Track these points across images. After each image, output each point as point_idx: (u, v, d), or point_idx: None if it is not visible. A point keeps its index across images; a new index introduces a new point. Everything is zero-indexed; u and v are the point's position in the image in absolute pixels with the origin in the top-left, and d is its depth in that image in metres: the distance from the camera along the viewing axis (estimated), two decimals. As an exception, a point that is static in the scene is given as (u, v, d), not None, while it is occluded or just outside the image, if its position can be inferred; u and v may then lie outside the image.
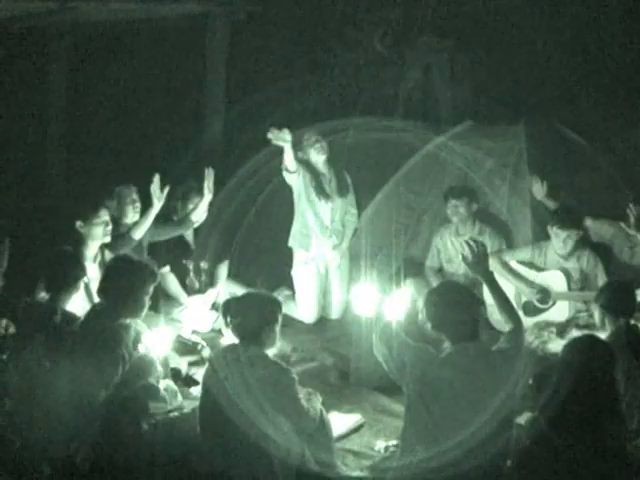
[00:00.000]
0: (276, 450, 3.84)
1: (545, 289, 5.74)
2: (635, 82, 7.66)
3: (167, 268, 6.10)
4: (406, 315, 4.63)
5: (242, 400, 3.82)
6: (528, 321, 5.62)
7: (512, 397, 3.71)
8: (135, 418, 4.08)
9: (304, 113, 6.17)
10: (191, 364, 5.23)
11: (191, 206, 6.16)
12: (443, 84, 8.45)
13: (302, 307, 6.38)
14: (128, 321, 4.18)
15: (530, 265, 5.86)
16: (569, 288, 5.67)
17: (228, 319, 4.09)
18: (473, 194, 6.22)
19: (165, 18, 8.20)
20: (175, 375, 4.82)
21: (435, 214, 6.53)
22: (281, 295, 5.98)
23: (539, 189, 6.15)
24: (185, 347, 5.41)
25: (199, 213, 6.10)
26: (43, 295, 4.61)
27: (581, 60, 7.80)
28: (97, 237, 5.23)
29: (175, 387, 4.53)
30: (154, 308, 4.98)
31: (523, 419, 4.07)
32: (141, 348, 4.20)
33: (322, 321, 6.44)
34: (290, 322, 6.01)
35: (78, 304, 4.70)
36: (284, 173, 6.16)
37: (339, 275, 6.44)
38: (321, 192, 6.24)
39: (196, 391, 4.51)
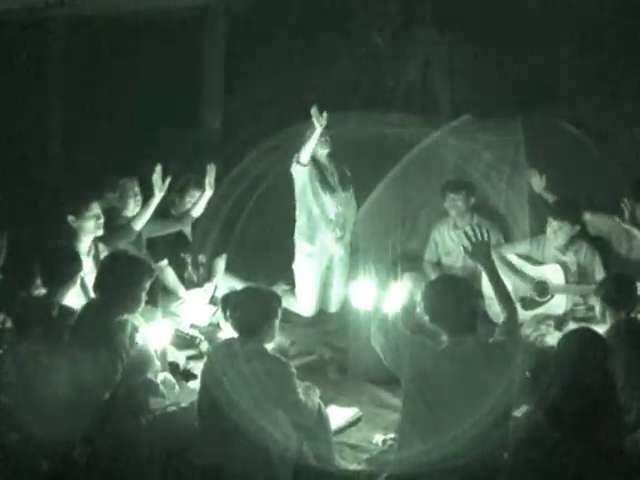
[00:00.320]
0: (274, 444, 3.84)
1: (543, 282, 5.75)
2: (634, 75, 7.64)
3: (165, 261, 6.09)
4: (404, 308, 4.63)
5: (240, 394, 3.82)
6: (526, 314, 5.63)
7: (510, 390, 3.70)
8: (135, 415, 4.08)
9: (302, 107, 6.16)
10: (189, 358, 5.24)
11: (188, 199, 6.15)
12: (442, 78, 8.44)
13: (302, 300, 6.38)
14: (125, 317, 4.16)
15: (528, 259, 5.86)
16: (567, 281, 5.67)
17: (227, 313, 4.09)
18: (471, 188, 6.23)
19: (164, 11, 8.18)
20: (173, 369, 4.82)
21: (433, 208, 6.52)
22: (279, 289, 5.97)
23: (538, 182, 6.16)
24: (183, 341, 5.43)
25: (199, 209, 6.10)
26: (40, 289, 4.61)
27: (581, 53, 7.78)
28: (89, 231, 5.21)
29: (173, 380, 4.54)
30: (152, 302, 4.97)
31: (520, 412, 4.08)
32: (138, 340, 4.19)
33: (320, 315, 6.44)
34: (288, 316, 6.00)
35: (73, 298, 4.69)
36: (294, 166, 6.13)
37: (341, 268, 6.44)
38: (326, 185, 6.24)
39: (194, 385, 4.52)
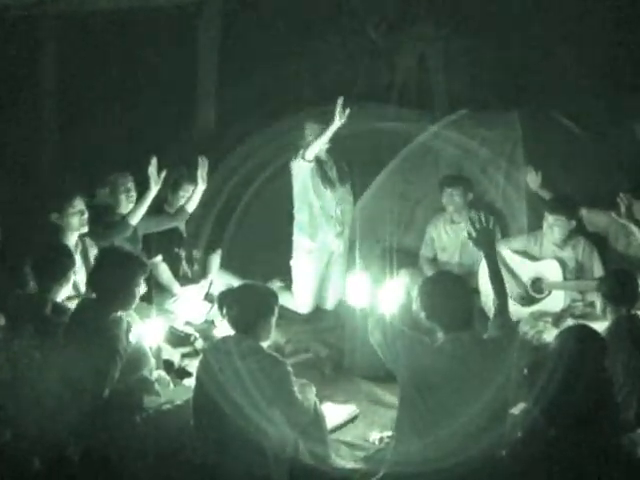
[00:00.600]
0: (270, 442, 3.83)
1: (539, 279, 5.72)
2: (632, 70, 7.63)
3: (159, 257, 6.03)
4: (400, 305, 4.60)
5: (236, 392, 3.80)
6: (523, 311, 5.61)
7: (507, 386, 3.69)
8: (130, 412, 4.05)
9: (297, 101, 6.13)
10: (184, 355, 5.21)
11: (182, 193, 6.10)
12: (438, 73, 8.42)
13: (299, 297, 6.33)
14: (119, 314, 4.14)
15: (525, 254, 5.84)
16: (564, 277, 5.65)
17: (224, 310, 4.06)
18: (468, 183, 6.20)
19: (158, 6, 8.15)
20: (168, 367, 4.80)
21: (430, 203, 6.50)
22: (274, 286, 5.93)
23: (533, 179, 6.13)
24: (178, 338, 5.38)
25: (193, 203, 6.05)
26: (33, 286, 4.58)
27: (577, 47, 7.76)
28: (74, 227, 5.16)
29: (167, 377, 4.51)
30: (146, 298, 4.94)
31: (517, 409, 4.06)
32: (132, 338, 4.16)
33: (316, 312, 6.40)
34: (284, 313, 5.97)
35: (63, 294, 4.66)
36: (298, 161, 6.03)
37: (340, 263, 6.40)
38: (327, 181, 6.18)
39: (189, 383, 4.49)
